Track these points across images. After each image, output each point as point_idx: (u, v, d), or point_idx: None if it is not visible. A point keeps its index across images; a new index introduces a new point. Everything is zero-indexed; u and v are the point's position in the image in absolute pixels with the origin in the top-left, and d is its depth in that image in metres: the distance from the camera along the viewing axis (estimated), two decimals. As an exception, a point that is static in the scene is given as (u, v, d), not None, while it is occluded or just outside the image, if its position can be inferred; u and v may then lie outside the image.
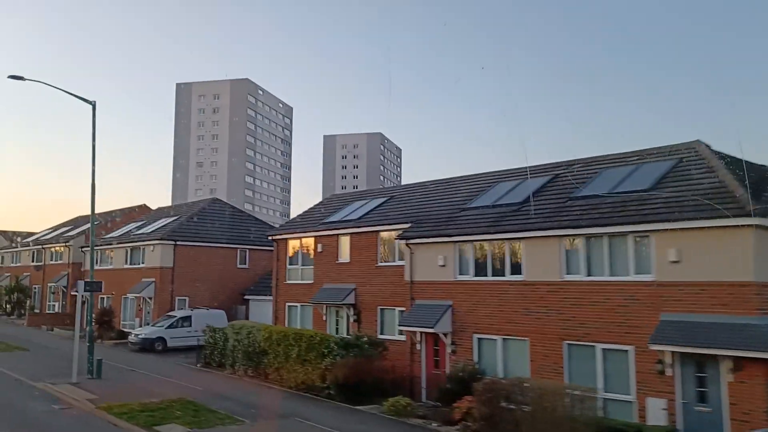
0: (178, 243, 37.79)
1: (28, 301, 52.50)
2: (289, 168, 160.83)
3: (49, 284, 51.27)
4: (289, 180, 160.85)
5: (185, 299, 37.70)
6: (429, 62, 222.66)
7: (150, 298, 37.69)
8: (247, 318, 35.37)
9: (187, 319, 33.76)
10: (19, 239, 65.75)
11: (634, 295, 15.81)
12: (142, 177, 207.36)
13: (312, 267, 27.58)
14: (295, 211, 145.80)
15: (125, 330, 37.71)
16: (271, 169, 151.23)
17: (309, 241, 28.04)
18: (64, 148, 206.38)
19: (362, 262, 24.92)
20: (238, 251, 40.27)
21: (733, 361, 13.78)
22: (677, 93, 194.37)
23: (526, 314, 18.17)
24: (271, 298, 30.77)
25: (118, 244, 42.25)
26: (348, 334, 24.22)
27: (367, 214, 26.20)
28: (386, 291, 23.56)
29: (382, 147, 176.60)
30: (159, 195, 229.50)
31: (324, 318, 26.43)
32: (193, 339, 31.14)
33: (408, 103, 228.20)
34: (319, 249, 27.07)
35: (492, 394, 15.68)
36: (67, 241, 48.98)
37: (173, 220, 41.12)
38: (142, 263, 39.26)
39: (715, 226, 14.41)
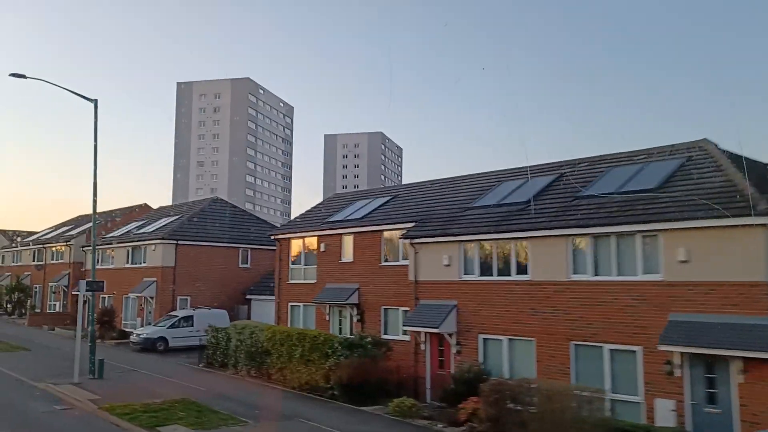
0: (179, 242, 37.64)
1: (28, 301, 52.39)
2: (290, 167, 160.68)
3: (50, 284, 51.12)
4: (290, 179, 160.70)
5: (187, 299, 37.55)
6: (429, 62, 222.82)
7: (151, 298, 37.52)
8: (248, 318, 35.18)
9: (189, 318, 33.62)
10: (19, 239, 65.63)
11: (642, 295, 15.63)
12: (143, 176, 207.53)
13: (315, 266, 27.41)
14: (296, 210, 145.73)
15: (126, 330, 37.54)
16: (271, 168, 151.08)
17: (312, 241, 27.88)
18: (64, 148, 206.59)
19: (366, 261, 24.75)
20: (240, 251, 40.10)
21: (743, 362, 13.60)
22: (677, 93, 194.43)
23: (532, 314, 17.99)
24: (273, 297, 30.62)
25: (119, 243, 42.09)
26: (351, 334, 24.05)
27: (370, 213, 26.03)
28: (390, 291, 23.39)
29: (383, 146, 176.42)
30: (159, 194, 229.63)
31: (327, 318, 26.27)
32: (195, 339, 30.97)
33: (408, 103, 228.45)
34: (322, 248, 26.90)
35: (499, 395, 15.49)
36: (68, 241, 48.84)
37: (175, 220, 40.95)
38: (144, 263, 39.10)
39: (726, 225, 14.23)
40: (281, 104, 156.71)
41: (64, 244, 49.43)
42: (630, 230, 16.04)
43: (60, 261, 50.31)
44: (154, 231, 40.03)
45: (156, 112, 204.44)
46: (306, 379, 21.56)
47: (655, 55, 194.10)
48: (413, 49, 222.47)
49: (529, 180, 21.88)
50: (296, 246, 28.86)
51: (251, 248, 40.35)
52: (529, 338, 18.04)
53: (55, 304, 50.60)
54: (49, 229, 61.26)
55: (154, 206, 52.67)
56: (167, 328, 33.15)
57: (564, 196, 19.33)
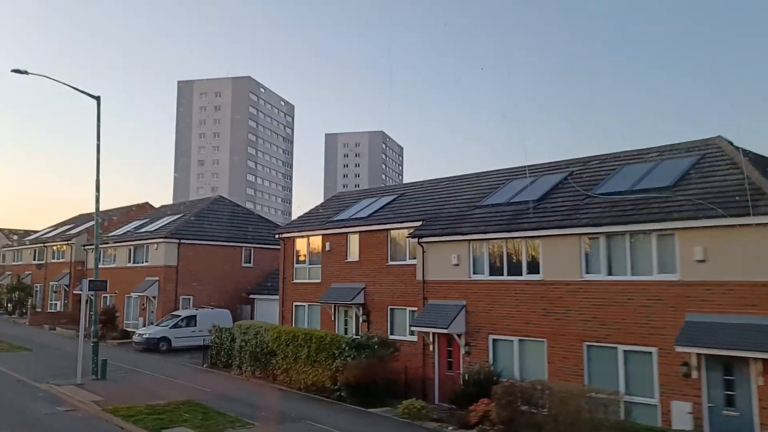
0: (182, 241, 37.31)
1: (29, 300, 52.09)
2: (291, 166, 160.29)
3: (50, 283, 50.81)
4: (291, 178, 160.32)
5: (189, 298, 37.23)
6: (429, 62, 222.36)
7: (154, 297, 37.20)
8: (252, 318, 34.90)
9: (192, 318, 33.32)
10: (15, 237, 65.17)
11: (657, 295, 15.32)
12: (144, 175, 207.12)
13: (320, 266, 27.09)
14: (297, 209, 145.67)
15: (128, 329, 37.24)
16: (272, 167, 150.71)
17: (317, 240, 27.55)
18: (65, 147, 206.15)
19: (372, 260, 24.43)
20: (243, 250, 39.77)
21: (763, 364, 13.28)
22: (677, 93, 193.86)
23: (544, 315, 17.68)
24: (276, 297, 30.32)
25: (121, 242, 41.76)
26: (357, 334, 23.73)
27: (376, 212, 25.70)
28: (397, 290, 23.08)
29: (383, 145, 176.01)
30: (160, 193, 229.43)
31: (332, 318, 25.95)
32: (199, 339, 30.64)
33: (408, 102, 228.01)
34: (327, 247, 26.58)
35: (511, 397, 15.21)
36: (69, 240, 48.50)
37: (177, 218, 40.62)
38: (146, 262, 38.78)
39: (744, 224, 13.92)
40: (282, 103, 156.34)
41: (65, 243, 49.10)
42: (645, 229, 15.73)
43: (61, 260, 49.99)
44: (156, 230, 39.71)
45: (156, 111, 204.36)
46: (312, 380, 21.25)
47: (655, 55, 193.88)
48: (413, 49, 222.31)
49: (539, 178, 21.56)
50: (301, 245, 28.53)
51: (254, 247, 40.02)
52: (541, 339, 17.72)
53: (55, 304, 50.28)
54: (49, 228, 60.94)
55: (155, 205, 52.37)
56: (170, 328, 32.85)
57: (575, 194, 19.00)
